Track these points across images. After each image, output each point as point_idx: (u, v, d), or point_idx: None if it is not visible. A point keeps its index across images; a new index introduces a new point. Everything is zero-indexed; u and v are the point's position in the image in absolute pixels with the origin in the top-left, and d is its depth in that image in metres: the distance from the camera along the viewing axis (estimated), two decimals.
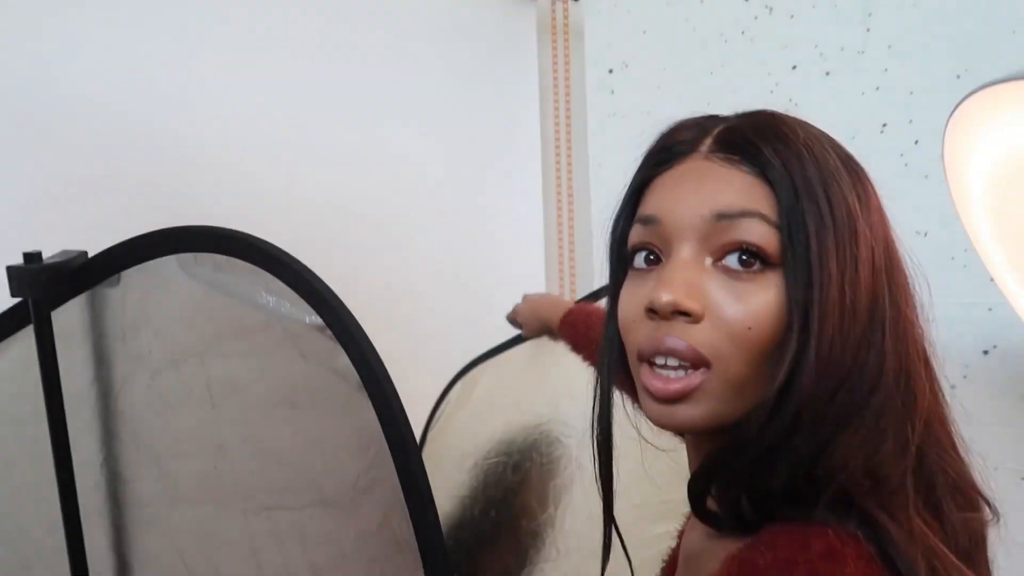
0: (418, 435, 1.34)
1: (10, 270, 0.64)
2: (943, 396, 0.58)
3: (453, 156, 1.66)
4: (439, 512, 0.57)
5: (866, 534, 0.48)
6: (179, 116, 1.20)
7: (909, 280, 0.58)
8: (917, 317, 0.58)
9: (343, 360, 0.57)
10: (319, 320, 0.57)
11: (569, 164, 1.66)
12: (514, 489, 1.22)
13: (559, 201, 1.68)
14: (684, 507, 0.62)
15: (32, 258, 0.64)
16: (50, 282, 0.64)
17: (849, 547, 0.47)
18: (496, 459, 1.23)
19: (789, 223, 0.52)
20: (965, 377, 1.19)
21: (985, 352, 1.18)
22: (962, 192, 0.90)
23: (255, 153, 1.30)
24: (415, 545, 0.57)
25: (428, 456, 1.30)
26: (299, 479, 0.62)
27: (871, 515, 0.49)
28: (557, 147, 1.67)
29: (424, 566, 0.58)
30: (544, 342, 1.21)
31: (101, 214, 1.07)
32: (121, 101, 1.13)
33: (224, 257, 0.59)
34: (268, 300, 0.59)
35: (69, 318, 0.67)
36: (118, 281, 0.65)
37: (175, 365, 0.64)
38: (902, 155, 1.31)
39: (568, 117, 1.64)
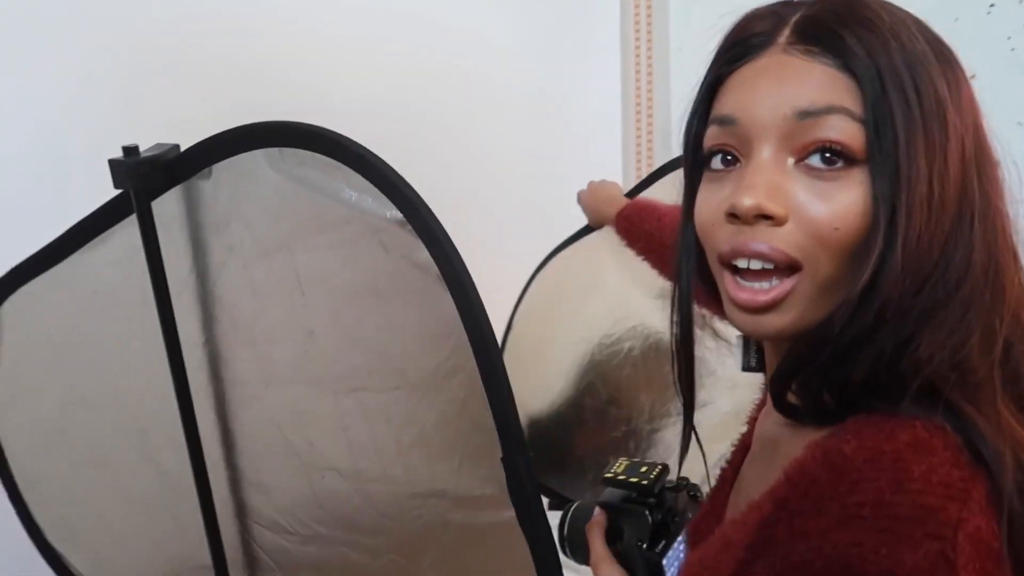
0: (497, 321, 1.37)
1: (112, 163, 0.67)
2: None
3: (530, 39, 1.61)
4: (517, 398, 0.60)
5: (953, 426, 0.48)
6: (264, 15, 1.21)
7: (999, 170, 0.55)
8: (1007, 208, 0.55)
9: (423, 254, 0.58)
10: (399, 215, 0.58)
11: (649, 47, 1.59)
12: (586, 373, 1.25)
13: (638, 85, 1.62)
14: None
15: (130, 151, 0.67)
16: (147, 174, 0.67)
17: (936, 438, 0.47)
18: (570, 344, 1.26)
19: (875, 117, 0.49)
20: None
21: None
22: None
23: (333, 45, 1.30)
24: (492, 425, 0.60)
25: (510, 345, 1.34)
26: (384, 364, 0.65)
27: (958, 407, 0.48)
28: (637, 29, 1.60)
29: (501, 444, 0.61)
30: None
31: (193, 109, 1.10)
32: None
33: (308, 153, 0.60)
34: (351, 195, 0.60)
35: (167, 209, 0.71)
36: (210, 174, 0.67)
37: (265, 255, 0.67)
38: (1009, 38, 1.20)
39: None
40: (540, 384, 1.30)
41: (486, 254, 1.42)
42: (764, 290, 0.52)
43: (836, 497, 0.45)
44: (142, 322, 0.77)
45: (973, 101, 0.53)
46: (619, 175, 1.68)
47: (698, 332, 0.64)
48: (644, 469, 0.72)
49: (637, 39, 1.61)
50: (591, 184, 1.24)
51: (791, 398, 0.56)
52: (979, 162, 0.51)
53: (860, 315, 0.50)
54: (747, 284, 0.52)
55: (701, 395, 0.88)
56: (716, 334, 0.68)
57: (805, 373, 0.54)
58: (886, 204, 0.49)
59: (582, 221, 1.26)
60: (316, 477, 0.75)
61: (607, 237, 1.22)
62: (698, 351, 0.64)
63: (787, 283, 0.51)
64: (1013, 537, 0.45)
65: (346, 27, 1.34)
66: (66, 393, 0.90)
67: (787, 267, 0.51)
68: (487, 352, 0.58)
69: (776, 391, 0.55)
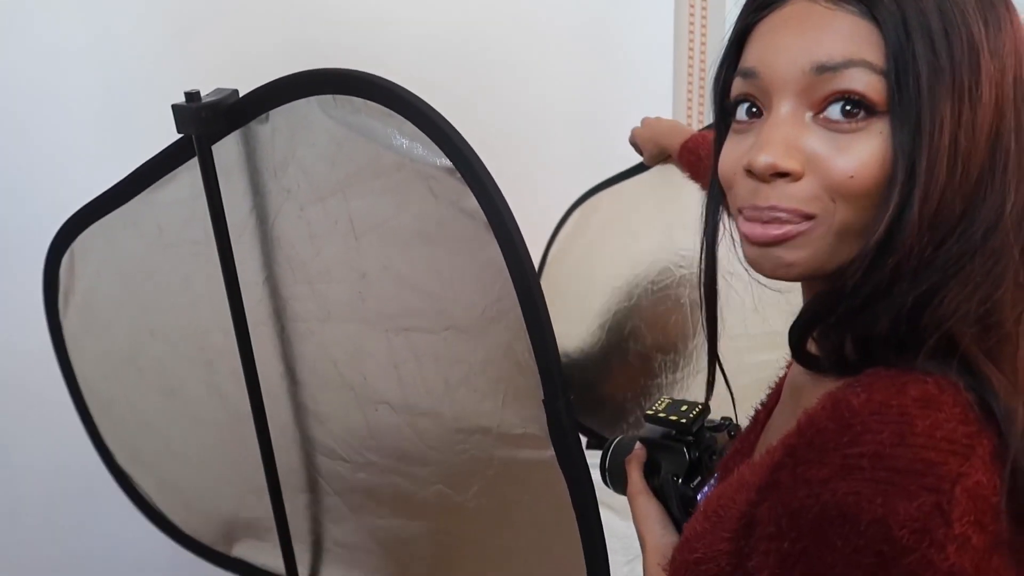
0: (536, 259, 1.38)
1: (175, 108, 0.68)
2: None
3: None
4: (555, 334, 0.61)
5: (967, 383, 0.48)
6: None
7: None
8: None
9: (471, 201, 0.59)
10: (448, 163, 0.59)
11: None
12: (627, 315, 1.26)
13: (691, 23, 1.57)
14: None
15: (192, 97, 0.68)
16: (208, 119, 0.69)
17: (947, 394, 0.47)
18: (612, 286, 1.26)
19: (897, 67, 0.47)
20: None
21: None
22: None
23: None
24: (535, 369, 0.61)
25: (546, 282, 1.35)
26: (433, 306, 0.67)
27: (974, 363, 0.48)
28: None
29: (543, 387, 0.63)
30: (664, 173, 1.18)
31: (246, 52, 1.11)
32: None
33: (361, 100, 0.61)
34: (401, 142, 0.61)
35: (227, 153, 0.72)
36: (267, 119, 0.68)
37: (321, 199, 0.69)
38: None
39: None
40: (579, 324, 1.31)
41: (533, 192, 1.43)
42: (775, 225, 0.51)
43: (839, 448, 0.46)
44: (206, 259, 0.79)
45: (1020, 38, 0.51)
46: (670, 113, 1.64)
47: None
48: (684, 408, 0.73)
49: None
50: (647, 119, 1.21)
51: (813, 348, 0.56)
52: (1020, 104, 0.49)
53: (877, 267, 0.49)
54: (759, 218, 0.52)
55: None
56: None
57: (824, 323, 0.53)
58: (905, 157, 0.47)
59: (631, 161, 1.24)
60: (369, 409, 0.78)
61: (657, 178, 1.21)
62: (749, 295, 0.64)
63: (801, 226, 0.51)
64: (1015, 493, 0.45)
65: None
66: (136, 324, 0.95)
67: (803, 218, 0.51)
68: (532, 300, 0.59)
69: (795, 341, 0.55)
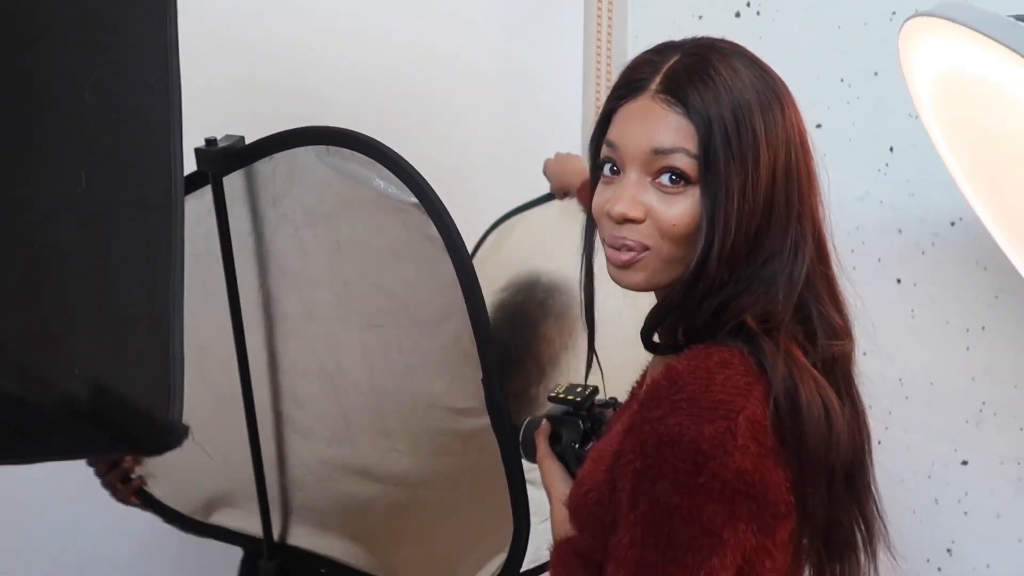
0: None
1: (197, 151, 0.84)
2: (833, 257, 0.77)
3: (504, 25, 1.75)
4: None
5: (748, 349, 0.69)
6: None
7: (814, 174, 0.75)
8: (819, 202, 0.75)
9: (432, 229, 0.77)
10: (415, 200, 0.77)
11: (610, 35, 1.75)
12: (536, 321, 1.45)
13: (598, 69, 1.78)
14: None
15: (211, 142, 0.84)
16: (224, 160, 0.85)
17: (736, 358, 0.68)
18: (523, 296, 1.45)
19: (705, 154, 0.69)
20: (934, 245, 1.34)
21: (952, 223, 1.32)
22: (915, 95, 1.02)
23: (323, 31, 1.45)
24: (476, 356, 0.79)
25: None
26: (400, 307, 0.85)
27: (756, 339, 0.69)
28: (599, 19, 1.75)
29: (482, 370, 0.81)
30: (567, 204, 1.37)
31: (255, 111, 1.25)
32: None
33: (349, 151, 0.79)
34: (379, 183, 0.78)
35: (233, 186, 0.88)
36: (271, 160, 0.85)
37: (312, 224, 0.85)
38: None
39: None
40: (496, 332, 1.48)
41: (463, 222, 1.60)
42: (624, 253, 0.72)
43: (668, 396, 0.67)
44: (204, 268, 0.94)
45: (792, 128, 0.73)
46: (579, 146, 1.83)
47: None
48: (579, 389, 0.93)
49: (599, 27, 1.76)
50: (558, 154, 1.41)
51: (657, 339, 0.77)
52: (792, 176, 0.71)
53: (695, 286, 0.71)
54: (616, 249, 0.73)
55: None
56: None
57: (665, 322, 0.75)
58: (708, 214, 0.69)
59: (544, 188, 1.43)
60: (342, 393, 0.94)
61: (562, 207, 1.40)
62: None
63: (641, 255, 0.72)
64: (777, 417, 0.66)
65: (336, 14, 1.48)
66: None
67: (643, 249, 0.72)
68: (476, 304, 0.78)
69: (644, 334, 0.77)
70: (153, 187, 0.46)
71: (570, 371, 1.43)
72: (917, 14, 0.79)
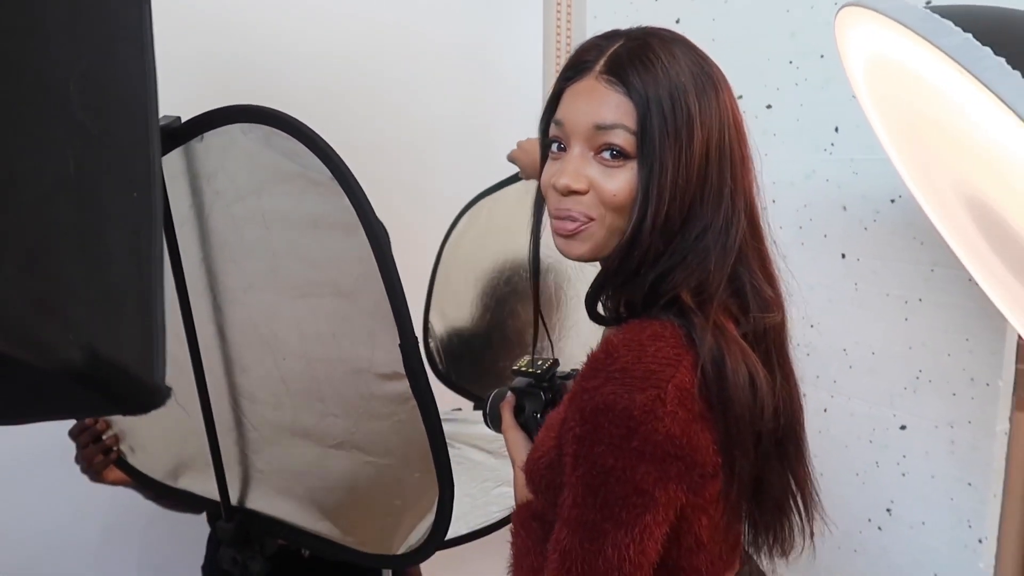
0: (429, 253, 1.59)
1: None
2: (765, 232, 0.80)
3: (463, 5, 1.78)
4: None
5: (680, 323, 0.73)
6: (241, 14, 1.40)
7: (748, 155, 0.79)
8: (752, 182, 0.79)
9: (345, 201, 0.81)
10: (329, 172, 0.81)
11: (569, 15, 1.78)
12: (506, 298, 1.49)
13: (557, 50, 1.82)
14: None
15: None
16: (161, 138, 0.89)
17: (668, 330, 0.72)
18: (494, 275, 1.49)
19: (643, 130, 0.73)
20: (875, 221, 1.36)
21: (892, 200, 1.35)
22: (852, 79, 1.05)
23: (289, 26, 1.48)
24: (391, 315, 0.83)
25: (442, 272, 1.57)
26: (324, 277, 0.89)
27: (686, 312, 0.73)
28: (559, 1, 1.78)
29: (399, 335, 0.85)
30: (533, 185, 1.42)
31: (187, 90, 1.30)
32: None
33: (269, 128, 0.83)
34: (298, 158, 0.83)
35: (171, 165, 0.93)
36: (202, 139, 0.89)
37: (241, 198, 0.90)
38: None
39: None
40: (469, 308, 1.54)
41: (420, 196, 1.64)
42: (570, 223, 0.76)
43: (604, 367, 0.71)
44: None
45: (726, 112, 0.76)
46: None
47: None
48: (540, 362, 0.98)
49: (559, 7, 1.80)
50: (522, 142, 1.46)
51: (602, 311, 0.81)
52: (724, 155, 0.75)
53: (631, 253, 0.74)
54: (561, 221, 0.77)
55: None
56: None
57: (606, 290, 0.78)
58: (643, 187, 0.73)
59: (507, 168, 1.48)
60: (279, 360, 0.99)
61: (527, 186, 1.45)
62: None
63: (586, 225, 0.76)
64: (707, 384, 0.70)
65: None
66: None
67: (587, 220, 0.76)
68: (388, 271, 0.82)
69: (588, 305, 0.80)
70: (136, 165, 0.49)
71: (537, 344, 1.48)
72: (848, 2, 0.82)
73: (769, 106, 1.53)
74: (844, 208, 1.43)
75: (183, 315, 1.00)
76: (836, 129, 1.43)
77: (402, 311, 0.83)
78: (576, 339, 1.40)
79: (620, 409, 0.68)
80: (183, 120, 0.91)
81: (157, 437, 1.24)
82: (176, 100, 0.93)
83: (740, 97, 1.62)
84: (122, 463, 1.28)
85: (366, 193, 0.79)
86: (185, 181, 0.94)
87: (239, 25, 1.44)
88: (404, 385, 0.89)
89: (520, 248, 1.46)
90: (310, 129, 0.81)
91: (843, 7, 0.88)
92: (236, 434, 1.12)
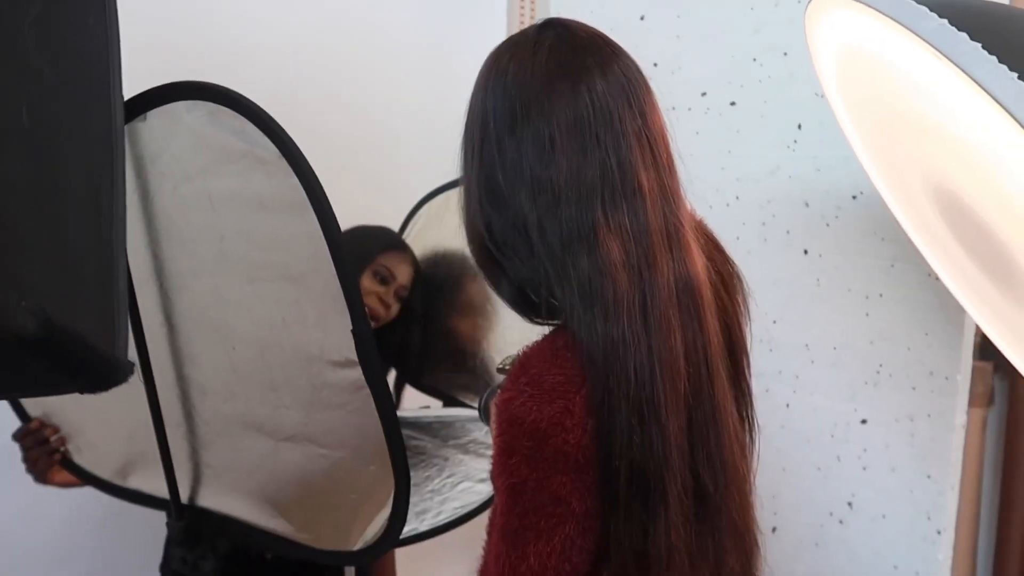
0: None
1: None
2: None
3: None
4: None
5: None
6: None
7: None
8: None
9: (294, 179, 0.75)
10: (277, 151, 0.75)
11: (533, 7, 1.74)
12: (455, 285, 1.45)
13: None
14: None
15: None
16: None
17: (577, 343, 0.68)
18: (457, 267, 1.44)
19: None
20: (837, 217, 1.34)
21: (854, 197, 1.32)
22: (821, 73, 1.02)
23: (247, 15, 1.42)
24: (343, 299, 0.78)
25: None
26: (272, 260, 0.83)
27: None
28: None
29: (351, 320, 0.79)
30: None
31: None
32: None
33: (213, 104, 0.77)
34: (244, 136, 0.77)
35: None
36: (145, 119, 0.83)
37: (188, 179, 0.84)
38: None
39: None
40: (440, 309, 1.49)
41: (385, 187, 1.59)
42: None
43: (516, 379, 0.68)
44: None
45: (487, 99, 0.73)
46: None
47: None
48: None
49: (522, 4, 1.76)
50: None
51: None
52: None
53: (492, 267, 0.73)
54: None
55: None
56: None
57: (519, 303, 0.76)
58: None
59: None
60: (230, 348, 0.93)
61: None
62: None
63: None
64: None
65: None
66: None
67: None
68: (339, 253, 0.77)
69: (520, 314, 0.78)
70: (95, 121, 0.45)
71: (505, 337, 1.43)
72: None
73: (733, 103, 1.50)
74: (807, 204, 1.40)
75: (131, 306, 0.94)
76: (799, 126, 1.41)
77: (354, 295, 0.78)
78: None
79: (529, 422, 0.65)
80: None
81: (104, 435, 1.17)
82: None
83: (704, 94, 1.60)
84: (68, 464, 1.21)
85: (321, 182, 0.74)
86: (129, 164, 0.87)
87: (199, 15, 1.38)
88: (357, 372, 0.83)
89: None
90: (256, 106, 0.76)
91: None
92: (185, 428, 1.06)
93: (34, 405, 1.18)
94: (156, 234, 0.90)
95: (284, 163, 0.75)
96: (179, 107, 0.80)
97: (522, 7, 1.76)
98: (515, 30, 1.76)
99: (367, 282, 1.30)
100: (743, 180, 1.48)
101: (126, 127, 0.84)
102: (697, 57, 1.53)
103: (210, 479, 1.09)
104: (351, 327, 0.79)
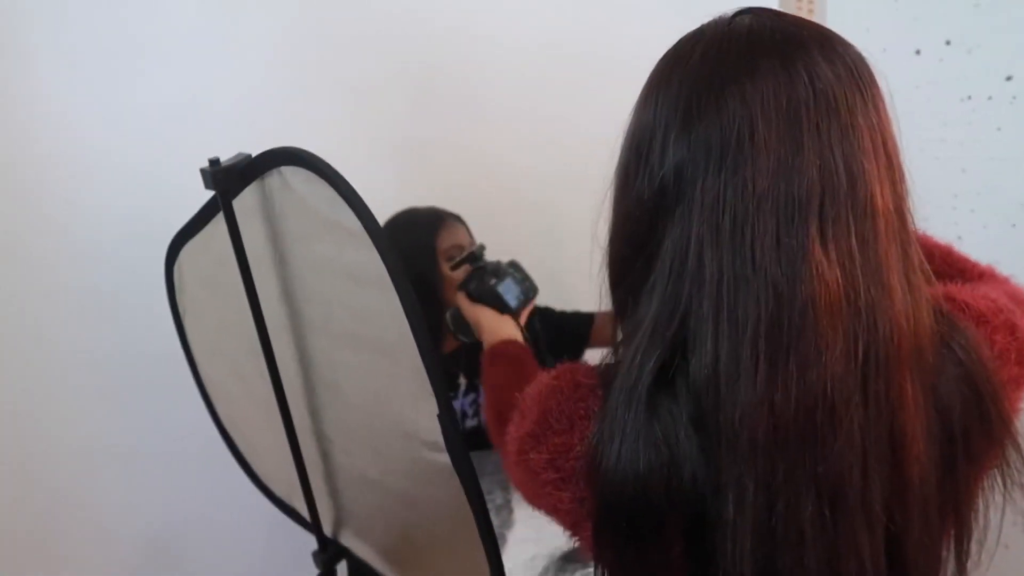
0: None
1: (202, 171, 0.83)
2: None
3: None
4: None
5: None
6: None
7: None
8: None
9: (376, 256, 0.69)
10: (360, 224, 0.69)
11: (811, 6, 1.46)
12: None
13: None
14: None
15: (214, 162, 0.83)
16: (227, 178, 0.83)
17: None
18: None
19: None
20: None
21: None
22: None
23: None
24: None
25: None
26: (369, 333, 0.77)
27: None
28: None
29: (438, 407, 0.71)
30: None
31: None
32: None
33: (307, 172, 0.73)
34: (334, 205, 0.71)
35: (248, 201, 0.86)
36: (267, 178, 0.81)
37: (300, 241, 0.81)
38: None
39: None
40: None
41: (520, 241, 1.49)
42: None
43: (542, 408, 0.61)
44: (234, 288, 0.93)
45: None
46: None
47: None
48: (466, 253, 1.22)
49: None
50: None
51: None
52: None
53: None
54: None
55: None
56: None
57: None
58: None
59: None
60: (342, 407, 0.89)
61: None
62: None
63: None
64: None
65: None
66: (217, 321, 1.12)
67: None
68: (422, 338, 0.68)
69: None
70: None
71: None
72: None
73: None
74: None
75: (265, 357, 0.94)
76: None
77: (437, 379, 0.69)
78: None
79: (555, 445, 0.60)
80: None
81: (274, 457, 1.22)
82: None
83: (1009, 79, 1.18)
84: (254, 477, 1.27)
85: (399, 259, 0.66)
86: (260, 218, 0.86)
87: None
88: (447, 458, 0.75)
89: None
90: (342, 177, 0.70)
91: None
92: (323, 469, 1.06)
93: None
94: (289, 285, 0.88)
95: (367, 238, 0.68)
96: (287, 171, 0.77)
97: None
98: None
99: (447, 271, 1.29)
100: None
101: (260, 182, 0.83)
102: (1003, 29, 1.13)
103: (347, 520, 1.09)
104: (437, 412, 0.71)
